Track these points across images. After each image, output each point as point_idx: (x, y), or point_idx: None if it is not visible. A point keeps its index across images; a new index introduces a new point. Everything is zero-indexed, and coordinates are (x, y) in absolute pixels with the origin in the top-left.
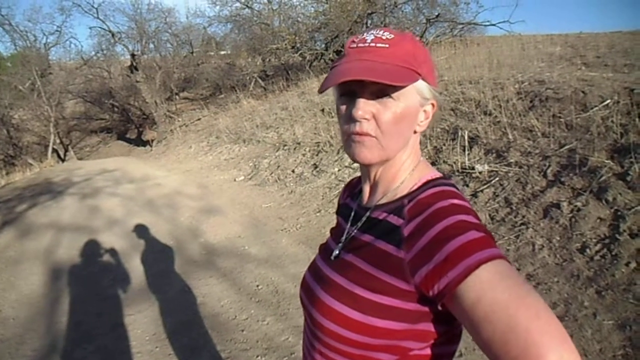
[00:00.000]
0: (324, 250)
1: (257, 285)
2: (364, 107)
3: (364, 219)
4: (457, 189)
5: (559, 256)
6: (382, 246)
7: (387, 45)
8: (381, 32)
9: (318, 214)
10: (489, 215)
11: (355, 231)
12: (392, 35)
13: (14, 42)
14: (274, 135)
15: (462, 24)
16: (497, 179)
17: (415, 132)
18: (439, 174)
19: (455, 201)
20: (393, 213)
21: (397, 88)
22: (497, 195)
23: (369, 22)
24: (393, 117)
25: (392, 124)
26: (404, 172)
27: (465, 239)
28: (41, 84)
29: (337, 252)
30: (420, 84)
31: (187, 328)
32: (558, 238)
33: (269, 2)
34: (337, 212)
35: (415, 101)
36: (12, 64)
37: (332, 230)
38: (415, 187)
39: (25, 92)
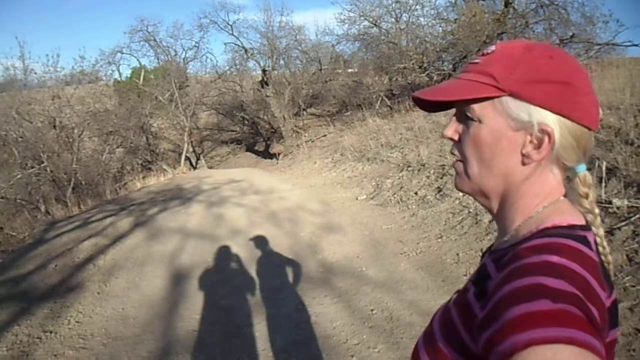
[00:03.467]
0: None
1: (372, 310)
2: (451, 127)
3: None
4: (580, 242)
5: None
6: (470, 298)
7: (479, 61)
8: (491, 46)
9: (439, 240)
10: (627, 256)
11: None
12: (494, 48)
13: (157, 57)
14: (398, 155)
15: (600, 44)
16: (637, 215)
17: (524, 163)
18: (571, 221)
19: (553, 258)
20: (495, 262)
21: (472, 107)
22: (637, 234)
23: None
24: (471, 140)
25: (470, 148)
26: (522, 212)
27: (529, 308)
28: (179, 95)
29: (455, 295)
30: (509, 102)
31: (297, 348)
32: None
33: (397, 21)
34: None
35: (500, 124)
36: (154, 77)
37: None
38: (530, 233)
39: (165, 103)
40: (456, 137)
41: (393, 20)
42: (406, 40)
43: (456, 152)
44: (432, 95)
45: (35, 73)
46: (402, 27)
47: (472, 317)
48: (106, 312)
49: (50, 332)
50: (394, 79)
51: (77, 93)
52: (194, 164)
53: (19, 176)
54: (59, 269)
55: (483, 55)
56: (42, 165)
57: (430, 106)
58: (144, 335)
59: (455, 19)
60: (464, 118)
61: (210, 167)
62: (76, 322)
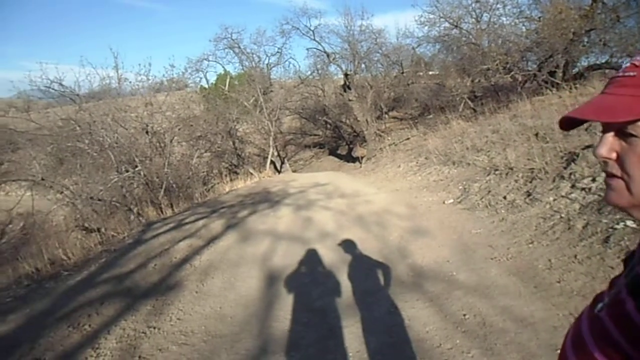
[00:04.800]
0: (596, 298)
1: (464, 315)
2: (605, 145)
3: (633, 272)
4: None
5: None
6: (632, 313)
7: (633, 73)
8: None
9: (530, 246)
10: None
11: (622, 285)
12: None
13: (241, 63)
14: (484, 158)
15: None
16: None
17: None
18: None
19: None
20: None
21: (638, 125)
22: None
23: (587, 40)
24: (638, 158)
25: (637, 167)
26: None
27: None
28: (263, 100)
29: (600, 305)
30: None
31: (390, 350)
32: None
33: (478, 22)
34: (624, 259)
35: None
36: (238, 82)
37: (613, 278)
38: None
39: (250, 108)
40: (613, 156)
41: (474, 20)
42: (488, 40)
43: (613, 170)
44: (595, 116)
45: (130, 82)
46: (483, 28)
47: (637, 331)
48: (205, 310)
49: (154, 328)
50: (477, 80)
51: (167, 100)
52: (278, 167)
53: (115, 179)
54: (158, 268)
55: (636, 66)
56: (137, 169)
57: (567, 124)
58: (242, 333)
59: (540, 17)
60: (623, 135)
61: (295, 171)
62: (177, 319)
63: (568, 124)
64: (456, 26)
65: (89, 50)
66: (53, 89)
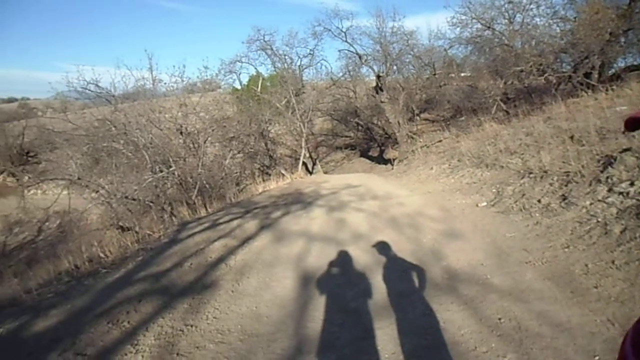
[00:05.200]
0: None
1: (499, 318)
2: None
3: None
4: None
5: None
6: None
7: None
8: None
9: (566, 250)
10: None
11: None
12: None
13: (273, 65)
14: (518, 161)
15: None
16: None
17: None
18: None
19: None
20: None
21: None
22: None
23: (624, 40)
24: None
25: None
26: None
27: None
28: (295, 102)
29: None
30: None
31: (426, 352)
32: None
33: (511, 23)
34: None
35: None
36: (270, 84)
37: None
38: None
39: (282, 109)
40: None
41: (506, 21)
42: (521, 42)
43: None
44: None
45: (165, 83)
46: (516, 29)
47: None
48: (241, 309)
49: (191, 326)
50: (509, 82)
51: (201, 101)
52: (310, 168)
53: (149, 179)
54: (194, 267)
55: None
56: (171, 169)
57: (632, 125)
58: (278, 333)
59: (575, 17)
60: None
61: (326, 172)
62: (214, 317)
63: (633, 124)
64: (489, 27)
65: (125, 52)
66: (89, 90)
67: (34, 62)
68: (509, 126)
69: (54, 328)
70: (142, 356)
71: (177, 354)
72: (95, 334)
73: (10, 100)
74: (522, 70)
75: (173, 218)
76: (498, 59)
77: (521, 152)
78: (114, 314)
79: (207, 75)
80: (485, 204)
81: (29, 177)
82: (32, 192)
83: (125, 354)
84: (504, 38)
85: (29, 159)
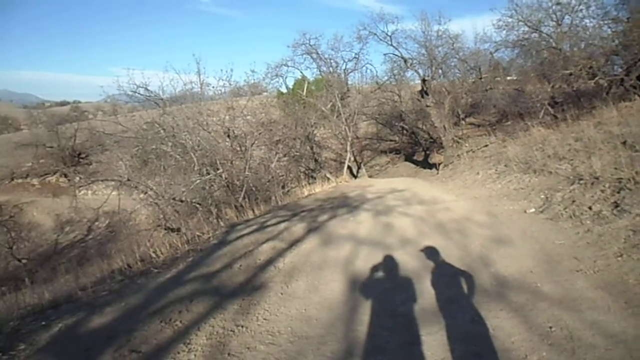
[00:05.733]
0: None
1: (550, 327)
2: None
3: None
4: None
5: None
6: None
7: None
8: None
9: (619, 259)
10: None
11: None
12: None
13: (319, 68)
14: (567, 167)
15: None
16: None
17: None
18: None
19: None
20: None
21: None
22: None
23: None
24: None
25: None
26: None
27: None
28: (341, 105)
29: None
30: None
31: (475, 359)
32: None
33: (559, 25)
34: None
35: None
36: (315, 88)
37: None
38: None
39: (327, 113)
40: None
41: (554, 23)
42: (569, 44)
43: None
44: None
45: (213, 87)
46: (564, 31)
47: None
48: (290, 312)
49: (242, 327)
50: (557, 86)
51: (249, 105)
52: (354, 172)
53: (197, 181)
54: (243, 268)
55: None
56: (218, 171)
57: None
58: (327, 336)
59: (628, 18)
60: None
61: (371, 176)
62: (264, 319)
63: None
64: (536, 30)
65: (173, 57)
66: (139, 93)
67: (86, 67)
68: (557, 131)
69: (109, 325)
70: (195, 355)
71: (229, 354)
72: (149, 332)
73: (63, 103)
74: (570, 74)
75: (219, 220)
76: (545, 62)
77: (570, 157)
78: (167, 313)
79: (253, 79)
80: (533, 210)
81: (80, 178)
82: (82, 192)
83: (178, 353)
84: (551, 41)
85: (80, 160)
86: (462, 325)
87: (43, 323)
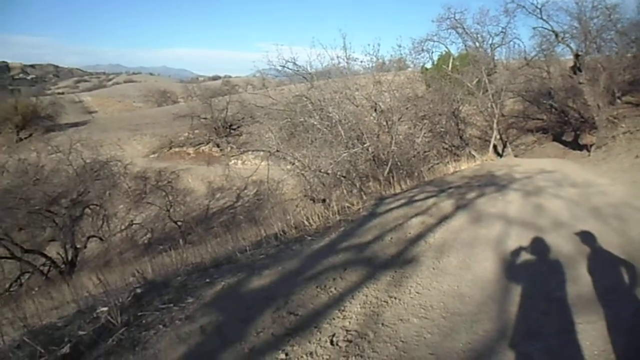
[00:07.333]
0: None
1: None
2: None
3: None
4: None
5: None
6: None
7: None
8: None
9: None
10: None
11: None
12: None
13: (464, 43)
14: None
15: None
16: None
17: None
18: None
19: None
20: None
21: None
22: None
23: None
24: None
25: None
26: None
27: None
28: (487, 81)
29: None
30: None
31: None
32: None
33: None
34: None
35: None
36: (460, 63)
37: None
38: None
39: (473, 89)
40: None
41: None
42: None
43: None
44: None
45: (361, 61)
46: None
47: None
48: (442, 287)
49: (395, 298)
50: None
51: (395, 79)
52: (499, 151)
53: (344, 154)
54: (394, 241)
55: None
56: (365, 145)
57: None
58: (480, 314)
59: None
60: None
61: (516, 156)
62: (416, 292)
63: None
64: None
65: (320, 32)
66: (288, 67)
67: (235, 43)
68: None
69: (268, 287)
70: (349, 322)
71: (382, 324)
72: (305, 296)
73: (215, 78)
74: None
75: (363, 193)
76: None
77: None
78: (322, 280)
79: (400, 54)
80: None
81: (232, 148)
82: (233, 161)
83: (333, 319)
84: None
85: (232, 131)
86: (624, 317)
87: (207, 280)
